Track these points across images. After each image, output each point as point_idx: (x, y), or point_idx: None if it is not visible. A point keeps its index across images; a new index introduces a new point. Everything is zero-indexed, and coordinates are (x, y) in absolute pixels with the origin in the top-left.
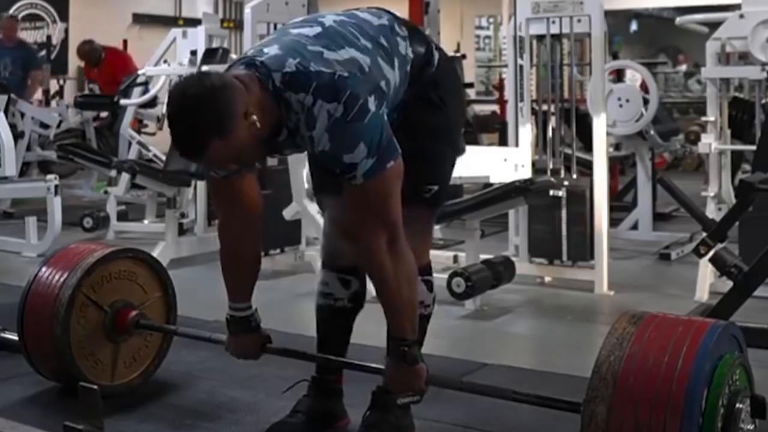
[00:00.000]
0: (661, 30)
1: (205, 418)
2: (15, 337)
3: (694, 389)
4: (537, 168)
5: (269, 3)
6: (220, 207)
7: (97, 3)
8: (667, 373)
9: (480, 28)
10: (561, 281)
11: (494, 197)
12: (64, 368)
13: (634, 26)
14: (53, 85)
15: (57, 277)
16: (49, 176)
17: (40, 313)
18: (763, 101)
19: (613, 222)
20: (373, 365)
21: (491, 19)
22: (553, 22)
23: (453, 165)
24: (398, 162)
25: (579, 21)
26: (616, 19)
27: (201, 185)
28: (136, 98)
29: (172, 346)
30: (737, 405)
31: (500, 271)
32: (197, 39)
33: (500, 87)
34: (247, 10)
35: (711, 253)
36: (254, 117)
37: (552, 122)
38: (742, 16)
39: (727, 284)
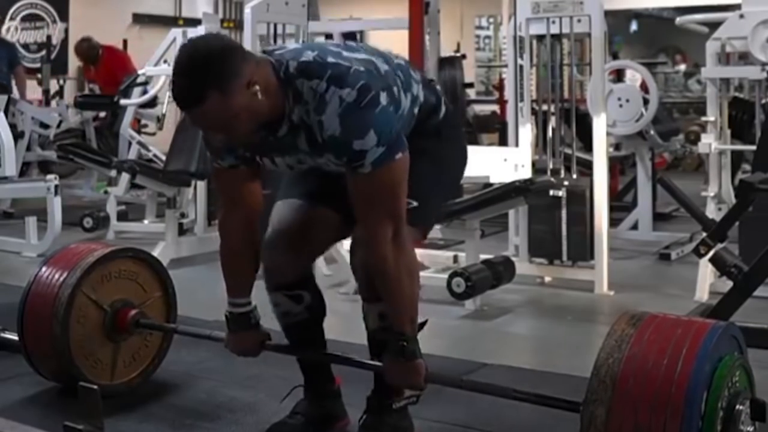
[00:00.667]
0: (661, 30)
1: (205, 418)
2: (15, 337)
3: (694, 392)
4: (537, 168)
5: (269, 3)
6: (222, 200)
7: (97, 3)
8: (667, 375)
9: (480, 28)
10: (561, 281)
11: (494, 197)
12: (64, 368)
13: (634, 26)
14: (53, 85)
15: (57, 276)
16: (49, 176)
17: (39, 313)
18: (763, 101)
19: (613, 222)
20: (371, 362)
21: (491, 19)
22: (553, 22)
23: (441, 195)
24: (406, 155)
25: (579, 21)
26: (616, 19)
27: (201, 185)
28: (136, 98)
29: (172, 346)
30: (737, 407)
31: (500, 271)
32: None
33: (500, 87)
34: (247, 10)
35: (711, 253)
36: (257, 88)
37: (552, 122)
38: (742, 16)
39: (727, 284)
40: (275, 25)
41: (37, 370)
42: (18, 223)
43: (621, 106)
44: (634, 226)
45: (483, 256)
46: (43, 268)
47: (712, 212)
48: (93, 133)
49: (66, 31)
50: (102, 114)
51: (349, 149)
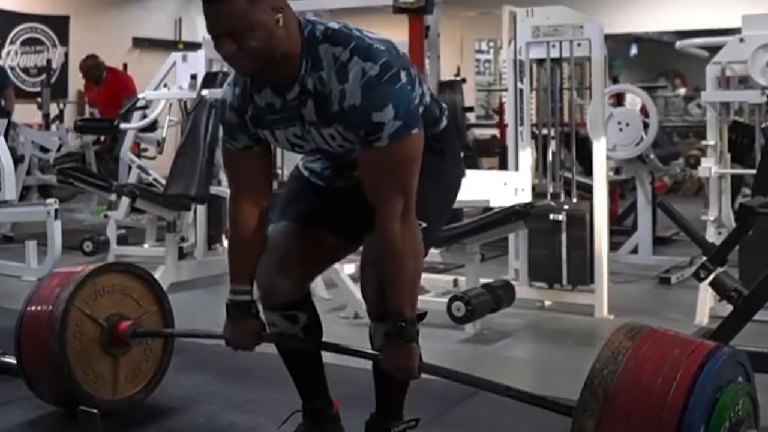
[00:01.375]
0: (661, 54)
1: None
2: (15, 361)
3: (690, 416)
4: (537, 192)
5: None
6: (232, 182)
7: (97, 27)
8: (661, 394)
9: (480, 52)
10: (561, 305)
11: (494, 221)
12: (63, 384)
13: (634, 50)
14: (53, 109)
15: (50, 293)
16: (49, 200)
17: (35, 331)
18: (763, 125)
19: (613, 246)
20: (368, 351)
21: (491, 43)
22: (553, 46)
23: (444, 214)
24: (421, 131)
25: (579, 45)
26: (616, 43)
27: (201, 209)
28: (136, 122)
29: (171, 370)
30: None
31: (500, 295)
32: (197, 63)
33: (500, 111)
34: None
35: (711, 277)
36: (281, 17)
37: (552, 146)
38: (742, 40)
39: (727, 308)
40: None
41: (36, 390)
42: (18, 247)
43: (621, 130)
44: (634, 250)
45: (483, 280)
46: (38, 288)
47: (712, 236)
48: (93, 157)
49: (66, 55)
50: (102, 138)
51: (367, 120)
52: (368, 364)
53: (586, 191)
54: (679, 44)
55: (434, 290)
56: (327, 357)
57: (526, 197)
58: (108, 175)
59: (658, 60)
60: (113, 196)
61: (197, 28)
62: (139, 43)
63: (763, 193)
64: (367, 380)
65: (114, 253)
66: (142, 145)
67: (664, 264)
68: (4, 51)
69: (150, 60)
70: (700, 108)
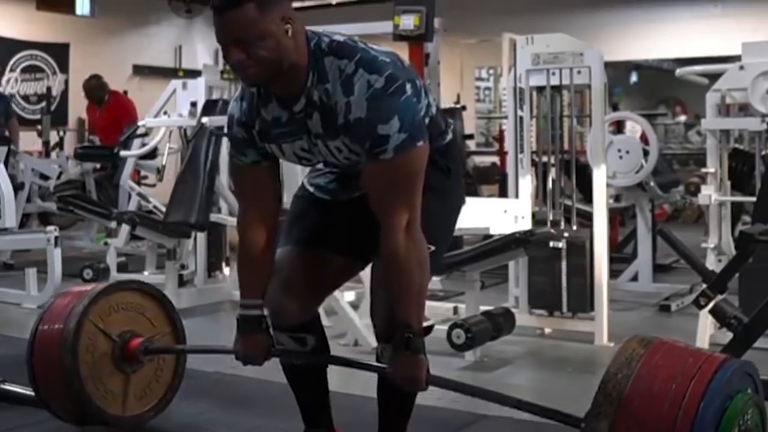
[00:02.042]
0: (661, 81)
1: None
2: (16, 389)
3: (701, 423)
4: (537, 219)
5: None
6: (240, 196)
7: (97, 54)
8: (675, 400)
9: (480, 79)
10: (561, 332)
11: (494, 249)
12: (74, 397)
13: (634, 77)
14: (53, 137)
15: (65, 307)
16: (49, 227)
17: (48, 342)
18: (763, 152)
19: (613, 273)
20: (375, 363)
21: (491, 71)
22: (553, 74)
23: (449, 236)
24: (427, 144)
25: (579, 72)
26: (616, 70)
27: (201, 237)
28: (136, 150)
29: (174, 398)
30: None
31: (500, 323)
32: (197, 90)
33: (500, 138)
34: None
35: (711, 305)
36: (290, 27)
37: (552, 173)
38: (742, 67)
39: (727, 335)
40: None
41: (47, 403)
42: (18, 275)
43: (621, 157)
44: (634, 278)
45: (483, 308)
46: (52, 303)
47: (712, 264)
48: (93, 184)
49: (66, 82)
50: (99, 165)
51: (372, 133)
52: (371, 392)
53: (586, 218)
54: (679, 71)
55: (434, 317)
56: (330, 384)
57: (526, 225)
58: (108, 202)
59: (658, 87)
60: (113, 224)
61: (197, 56)
62: (140, 70)
63: (763, 220)
64: (370, 408)
65: (114, 280)
66: (142, 173)
67: (664, 291)
68: (4, 78)
69: (150, 87)
70: (700, 135)
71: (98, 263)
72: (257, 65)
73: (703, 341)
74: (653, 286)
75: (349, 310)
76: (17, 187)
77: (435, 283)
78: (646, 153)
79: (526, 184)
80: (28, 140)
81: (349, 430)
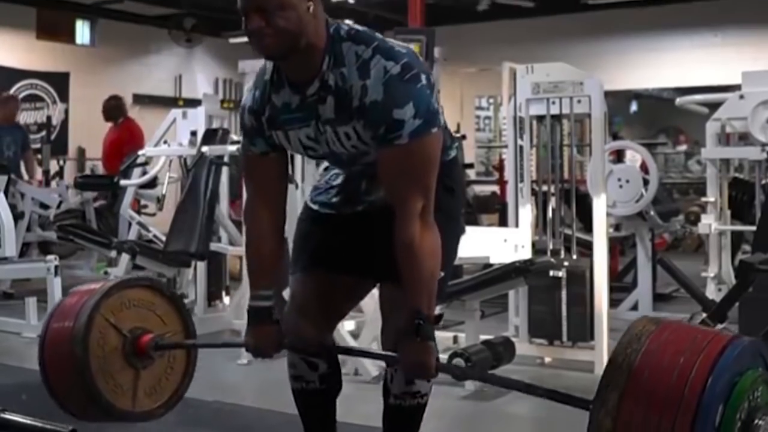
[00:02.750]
0: (661, 110)
1: None
2: (16, 418)
3: (710, 394)
4: (537, 248)
5: None
6: (248, 187)
7: (97, 83)
8: (682, 373)
9: (480, 108)
10: (561, 362)
11: (494, 278)
12: (85, 389)
13: (634, 107)
14: (53, 166)
15: (76, 302)
16: (49, 257)
17: (60, 336)
18: (763, 182)
19: (614, 302)
20: (385, 353)
21: (491, 100)
22: (553, 103)
23: (453, 260)
24: (441, 132)
25: (579, 102)
26: (616, 99)
27: (201, 266)
28: (136, 179)
29: (172, 426)
30: (756, 421)
31: (500, 352)
32: (197, 119)
33: (500, 167)
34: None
35: None
36: (312, 5)
37: (552, 203)
38: (742, 96)
39: None
40: None
41: (57, 397)
42: (18, 304)
43: (621, 186)
44: (635, 307)
45: (483, 337)
46: (64, 299)
47: (713, 293)
48: (93, 213)
49: (66, 111)
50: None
51: (388, 117)
52: (373, 421)
53: (586, 248)
54: (679, 101)
55: None
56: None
57: (526, 254)
58: (108, 231)
59: (658, 117)
60: (113, 253)
61: (197, 85)
62: (140, 99)
63: (763, 249)
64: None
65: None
66: (142, 202)
67: None
68: None
69: (150, 116)
70: (700, 164)
71: None
72: (275, 35)
73: None
74: (653, 315)
75: (349, 339)
76: (17, 216)
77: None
78: (646, 182)
79: (526, 213)
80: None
81: None
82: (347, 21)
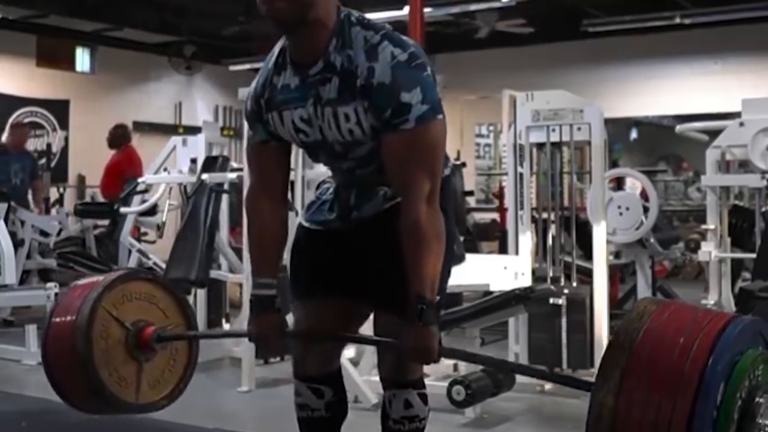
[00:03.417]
0: (661, 138)
1: None
2: None
3: (711, 372)
4: (537, 276)
5: None
6: (250, 176)
7: (97, 111)
8: (683, 350)
9: (480, 135)
10: (561, 389)
11: (494, 305)
12: (89, 381)
13: (634, 134)
14: (53, 193)
15: (79, 295)
16: (49, 284)
17: (62, 328)
18: (763, 209)
19: (614, 330)
20: (386, 339)
21: (491, 127)
22: (553, 130)
23: (446, 284)
24: (445, 119)
25: (579, 129)
26: (616, 127)
27: (201, 293)
28: (136, 206)
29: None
30: (757, 399)
31: (500, 379)
32: (197, 147)
33: (500, 195)
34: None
35: None
36: None
37: (552, 230)
38: (742, 124)
39: None
40: None
41: (61, 390)
42: (18, 332)
43: (621, 214)
44: None
45: None
46: (67, 291)
47: None
48: (93, 241)
49: (66, 139)
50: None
51: (395, 99)
52: None
53: (586, 275)
54: (679, 128)
55: (434, 374)
56: None
57: (526, 281)
58: (108, 259)
59: (658, 144)
60: None
61: (197, 112)
62: (139, 127)
63: (762, 277)
64: None
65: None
66: (142, 229)
67: None
68: (4, 135)
69: (150, 144)
70: (700, 192)
71: None
72: (287, 0)
73: None
74: None
75: (349, 366)
76: (17, 244)
77: None
78: (646, 209)
79: (526, 240)
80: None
81: None
82: None
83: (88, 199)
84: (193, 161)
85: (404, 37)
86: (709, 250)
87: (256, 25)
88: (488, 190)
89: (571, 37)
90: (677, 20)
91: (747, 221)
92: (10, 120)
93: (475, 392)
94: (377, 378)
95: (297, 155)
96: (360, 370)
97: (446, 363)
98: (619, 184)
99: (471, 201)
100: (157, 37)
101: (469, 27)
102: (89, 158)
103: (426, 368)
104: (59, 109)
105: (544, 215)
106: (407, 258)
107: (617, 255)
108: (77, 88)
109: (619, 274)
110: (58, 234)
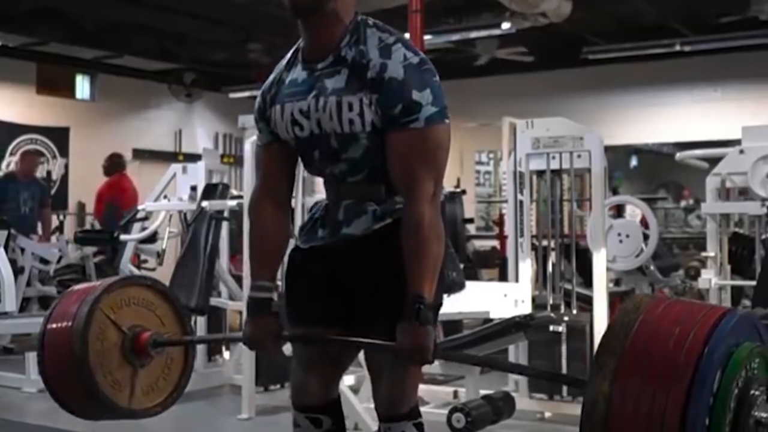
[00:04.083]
0: (661, 165)
1: None
2: None
3: (707, 361)
4: (537, 303)
5: None
6: (256, 178)
7: (97, 138)
8: (679, 339)
9: (480, 163)
10: (561, 417)
11: (494, 333)
12: (83, 382)
13: (634, 161)
14: (53, 221)
15: (77, 297)
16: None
17: (59, 330)
18: (763, 237)
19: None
20: (382, 342)
21: (491, 155)
22: (553, 158)
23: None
24: (449, 126)
25: (579, 156)
26: (616, 154)
27: (201, 321)
28: (136, 233)
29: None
30: (753, 392)
31: (500, 407)
32: (197, 174)
33: (500, 222)
34: (247, 146)
35: None
36: None
37: (552, 257)
38: (742, 151)
39: None
40: None
41: (56, 392)
42: (18, 359)
43: (621, 241)
44: None
45: (483, 392)
46: (62, 299)
47: None
48: (93, 268)
49: (66, 166)
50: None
51: (407, 97)
52: None
53: (586, 302)
54: (679, 156)
55: (434, 401)
56: None
57: (526, 308)
58: None
59: (658, 171)
60: None
61: (197, 140)
62: (139, 154)
63: (763, 304)
64: None
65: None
66: (143, 257)
67: None
68: (5, 162)
69: (150, 171)
70: (700, 219)
71: None
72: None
73: None
74: None
75: (349, 393)
76: (17, 271)
77: (435, 367)
78: (646, 237)
79: (526, 268)
80: None
81: None
82: None
83: (88, 226)
84: (193, 188)
85: (416, 49)
86: (710, 278)
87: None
88: (488, 217)
89: (571, 64)
90: (677, 47)
91: (747, 248)
92: (10, 147)
93: (475, 420)
94: None
95: (298, 182)
96: (360, 397)
97: (446, 390)
98: (619, 211)
99: (471, 228)
100: (157, 64)
101: (469, 54)
102: (89, 186)
103: (425, 395)
104: (59, 137)
105: (544, 242)
106: (407, 257)
107: (617, 282)
108: (77, 116)
109: (619, 301)
110: (58, 261)
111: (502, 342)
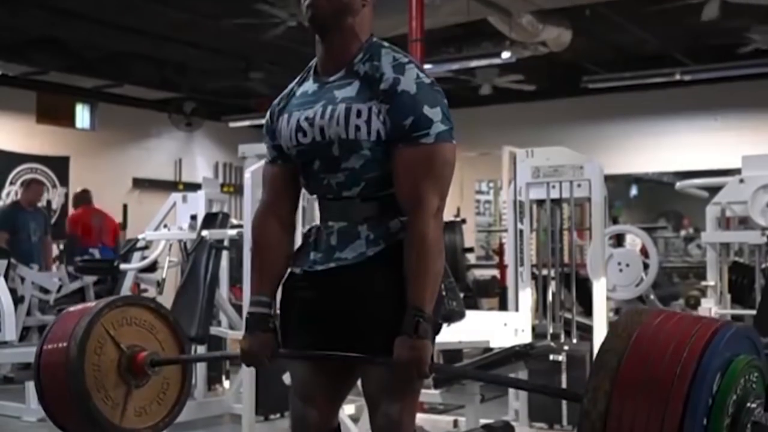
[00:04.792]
0: (661, 194)
1: None
2: None
3: (708, 362)
4: (537, 332)
5: None
6: (262, 194)
7: (97, 167)
8: (681, 341)
9: (480, 192)
10: None
11: (494, 362)
12: (76, 393)
13: (634, 191)
14: (54, 250)
15: (80, 311)
16: None
17: (58, 338)
18: (763, 266)
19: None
20: (378, 359)
21: (491, 184)
22: (553, 187)
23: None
24: (455, 146)
25: (579, 186)
26: (616, 183)
27: (201, 350)
28: (136, 262)
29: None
30: (749, 404)
31: None
32: (197, 203)
33: (500, 251)
34: (247, 175)
35: None
36: (366, 2)
37: (552, 287)
38: (742, 180)
39: None
40: None
41: (49, 406)
42: (18, 388)
43: (621, 270)
44: None
45: (483, 421)
46: (58, 319)
47: None
48: (93, 297)
49: (66, 195)
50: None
51: (418, 110)
52: None
53: (586, 332)
54: (678, 185)
55: (434, 431)
56: None
57: (526, 338)
58: None
59: (658, 201)
60: None
61: (197, 169)
62: (139, 183)
63: (763, 333)
64: None
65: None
66: (142, 286)
67: None
68: (5, 191)
69: (150, 200)
70: (700, 248)
71: None
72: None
73: None
74: None
75: (349, 423)
76: (17, 300)
77: (435, 396)
78: (646, 266)
79: (526, 297)
80: None
81: None
82: None
83: (87, 256)
84: (193, 218)
85: (425, 73)
86: (710, 307)
87: (256, 82)
88: (488, 246)
89: (571, 93)
90: (677, 77)
91: (747, 278)
92: (10, 176)
93: None
94: None
95: (299, 212)
96: (360, 426)
97: (446, 419)
98: (619, 240)
99: (471, 257)
100: (157, 93)
101: (469, 84)
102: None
103: (426, 424)
104: (59, 166)
105: (544, 272)
106: (409, 270)
107: (617, 312)
108: (77, 145)
109: None
110: (58, 291)
111: (503, 371)
